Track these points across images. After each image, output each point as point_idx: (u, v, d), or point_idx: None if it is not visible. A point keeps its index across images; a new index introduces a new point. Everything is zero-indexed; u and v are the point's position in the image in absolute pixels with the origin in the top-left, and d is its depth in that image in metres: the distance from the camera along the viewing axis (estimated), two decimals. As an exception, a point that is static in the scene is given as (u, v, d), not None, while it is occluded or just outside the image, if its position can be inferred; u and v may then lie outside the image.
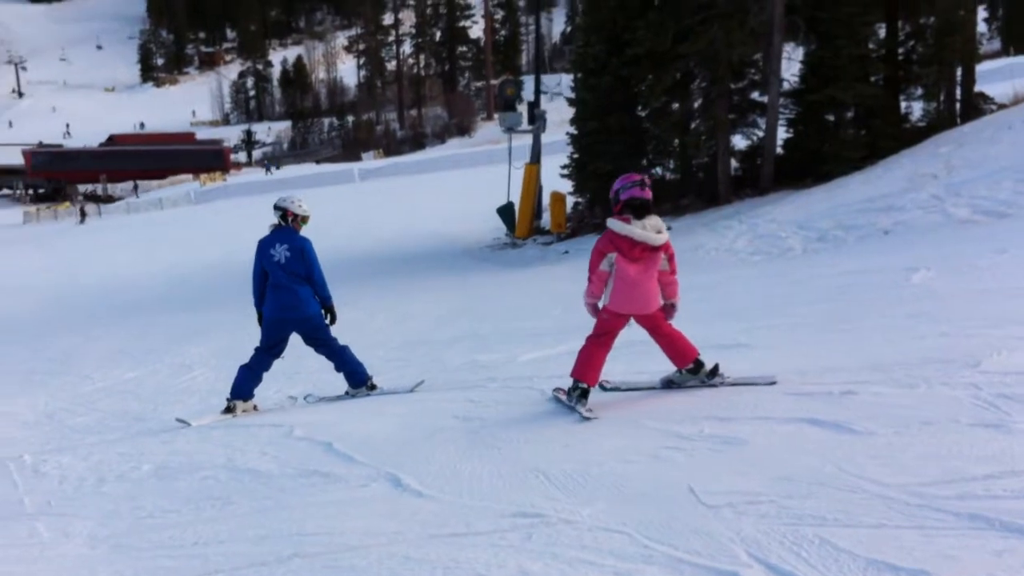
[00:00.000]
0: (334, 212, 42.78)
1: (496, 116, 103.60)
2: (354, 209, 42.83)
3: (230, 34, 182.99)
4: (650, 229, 5.85)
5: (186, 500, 5.58)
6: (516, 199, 27.32)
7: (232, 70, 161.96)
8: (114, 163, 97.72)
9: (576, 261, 20.56)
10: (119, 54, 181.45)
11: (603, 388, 6.50)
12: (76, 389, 13.50)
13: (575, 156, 26.04)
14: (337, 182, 62.31)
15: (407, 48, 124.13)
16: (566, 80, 75.20)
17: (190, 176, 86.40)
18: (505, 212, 27.46)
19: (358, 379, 8.40)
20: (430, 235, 29.96)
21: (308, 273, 7.88)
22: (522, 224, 26.97)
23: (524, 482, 4.91)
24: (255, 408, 8.18)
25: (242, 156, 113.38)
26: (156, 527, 5.14)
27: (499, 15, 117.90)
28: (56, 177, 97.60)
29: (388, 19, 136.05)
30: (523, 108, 29.42)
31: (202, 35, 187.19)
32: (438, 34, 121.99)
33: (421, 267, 23.68)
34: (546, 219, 27.25)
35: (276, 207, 8.12)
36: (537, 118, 28.07)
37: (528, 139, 29.16)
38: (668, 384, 6.39)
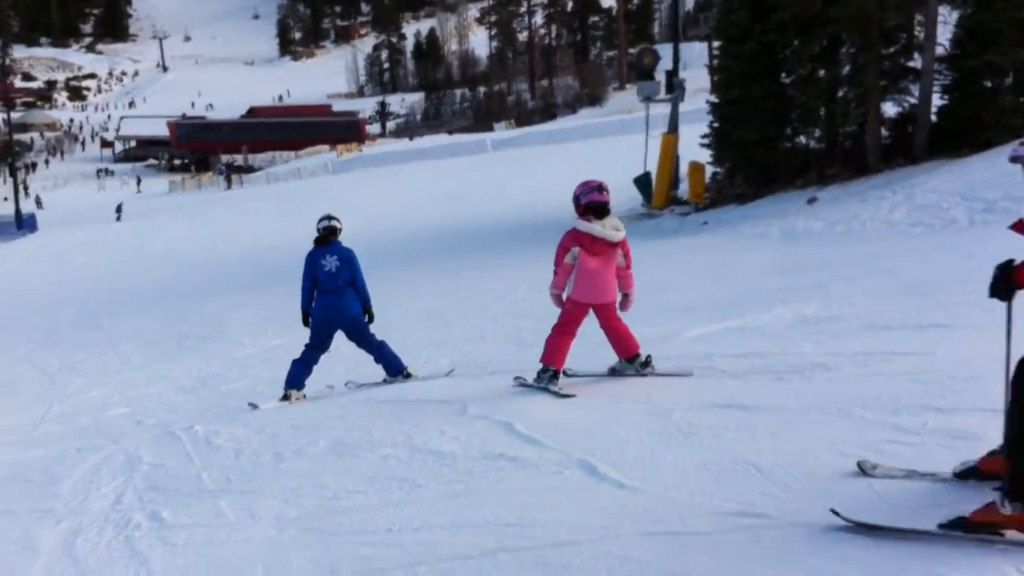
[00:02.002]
0: (469, 181, 43.14)
1: (628, 86, 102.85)
2: (488, 178, 42.97)
3: (365, 8, 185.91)
4: (609, 228, 6.68)
5: (370, 480, 5.42)
6: (653, 169, 26.87)
7: (367, 43, 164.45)
8: (254, 134, 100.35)
9: (718, 232, 20.17)
10: (258, 29, 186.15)
11: (565, 374, 7.10)
12: (228, 355, 13.87)
13: (715, 125, 25.41)
14: (470, 152, 62.56)
15: (539, 19, 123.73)
16: (699, 49, 73.95)
17: (327, 147, 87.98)
18: (642, 182, 27.05)
19: (395, 369, 9.22)
20: (565, 205, 29.53)
21: (353, 279, 8.94)
22: (659, 194, 26.53)
23: (734, 475, 4.58)
24: (304, 397, 8.99)
25: (376, 127, 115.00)
26: (344, 509, 5.01)
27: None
28: (199, 148, 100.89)
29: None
30: (660, 77, 28.83)
31: (338, 9, 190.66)
32: (569, 4, 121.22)
33: (558, 237, 23.50)
34: (683, 189, 26.75)
35: (325, 218, 9.21)
36: (676, 87, 27.54)
37: (664, 108, 28.64)
38: (612, 372, 7.13)
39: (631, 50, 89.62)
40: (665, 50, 31.47)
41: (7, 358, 17.93)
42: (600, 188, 6.75)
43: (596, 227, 6.62)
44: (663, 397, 6.29)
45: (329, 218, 9.17)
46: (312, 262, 8.93)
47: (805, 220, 17.95)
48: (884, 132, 22.66)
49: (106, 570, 4.62)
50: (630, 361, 6.94)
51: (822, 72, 23.38)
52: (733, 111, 24.05)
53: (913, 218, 15.81)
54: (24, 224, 53.44)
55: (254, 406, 8.71)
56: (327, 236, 9.05)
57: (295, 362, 9.07)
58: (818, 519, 3.85)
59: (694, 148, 26.38)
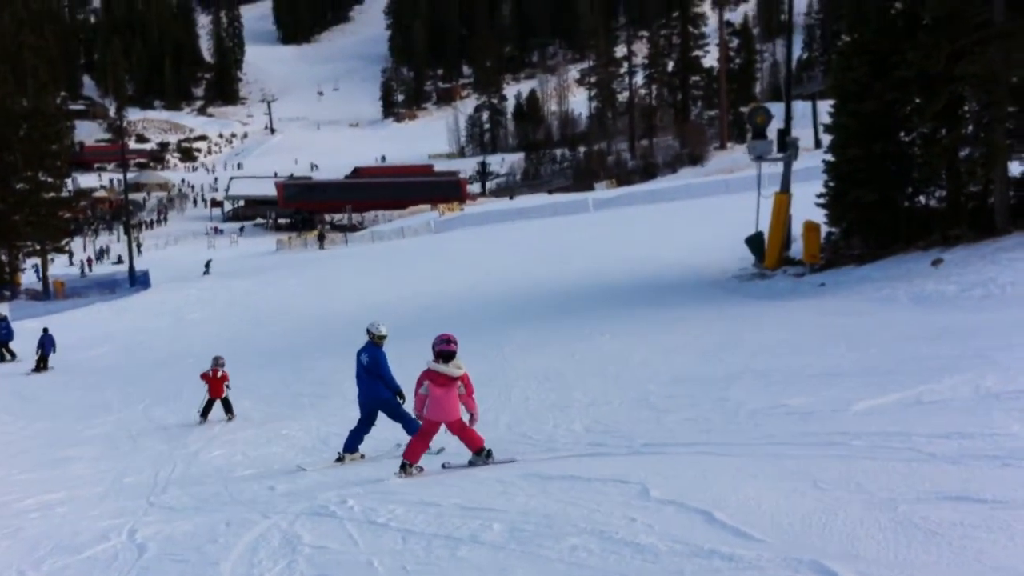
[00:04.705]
0: (571, 241, 43.00)
1: (729, 145, 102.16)
2: (591, 238, 42.79)
3: (466, 71, 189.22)
4: (452, 367, 8.77)
5: None
6: (764, 229, 26.37)
7: (468, 104, 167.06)
8: (358, 194, 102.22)
9: (837, 294, 19.55)
10: (363, 91, 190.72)
11: (420, 469, 9.11)
12: (344, 413, 13.75)
13: (831, 184, 24.80)
14: (570, 212, 62.59)
15: (639, 79, 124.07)
16: (803, 107, 73.04)
17: (428, 206, 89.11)
18: (754, 242, 26.56)
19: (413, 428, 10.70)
20: (674, 264, 29.36)
21: (379, 374, 10.96)
22: (771, 254, 26.00)
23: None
24: (361, 456, 11.06)
25: (476, 187, 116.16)
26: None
27: (734, 43, 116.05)
28: (306, 208, 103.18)
29: (620, 51, 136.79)
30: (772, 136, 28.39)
31: (440, 72, 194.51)
32: (670, 64, 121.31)
33: (670, 298, 23.15)
34: (796, 249, 26.14)
35: (367, 330, 11.42)
36: (789, 146, 27.10)
37: (772, 168, 28.21)
38: (471, 464, 8.99)
39: (742, 109, 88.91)
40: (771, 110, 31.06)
41: (127, 413, 18.23)
42: (449, 341, 8.87)
43: (442, 367, 8.76)
44: (875, 485, 5.69)
45: (371, 325, 11.43)
46: (357, 356, 11.27)
47: (935, 283, 17.25)
48: (1011, 193, 21.82)
49: None
50: (478, 454, 8.93)
51: (944, 131, 22.70)
52: (851, 170, 23.45)
53: (1058, 281, 15.02)
54: (137, 281, 55.01)
55: (303, 469, 10.60)
56: (370, 338, 11.27)
57: (351, 431, 11.18)
58: None
59: (806, 207, 25.81)
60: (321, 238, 73.31)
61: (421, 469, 9.13)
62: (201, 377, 17.01)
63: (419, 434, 9.17)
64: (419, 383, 8.93)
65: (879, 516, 5.04)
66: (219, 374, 16.76)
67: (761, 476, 5.62)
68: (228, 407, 16.52)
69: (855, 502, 5.35)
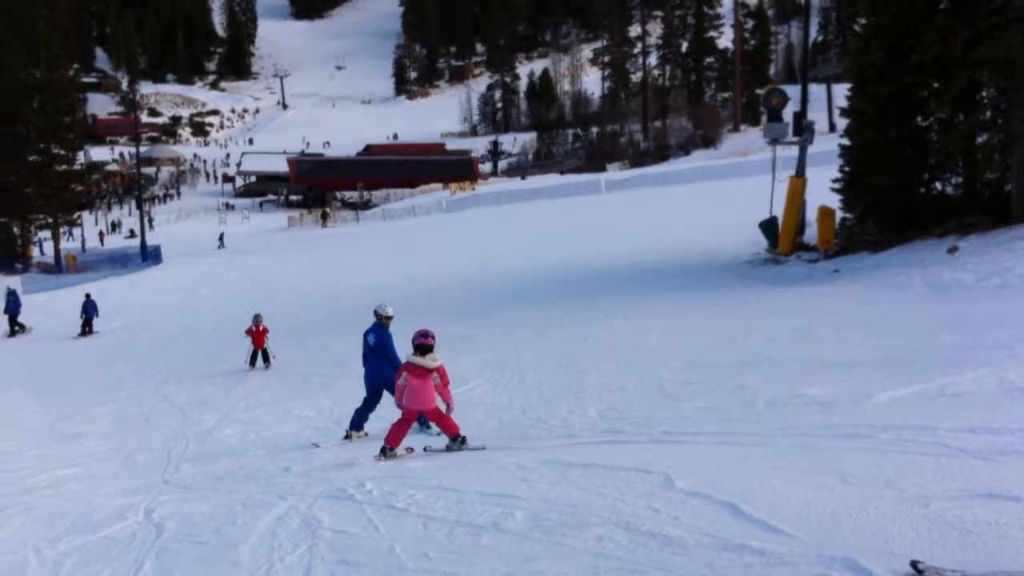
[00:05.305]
0: (583, 222, 42.86)
1: (743, 127, 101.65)
2: (603, 220, 42.64)
3: (479, 48, 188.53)
4: (428, 359, 9.37)
5: (594, 571, 4.76)
6: (778, 213, 26.21)
7: (480, 83, 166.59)
8: (370, 171, 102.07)
9: (852, 280, 19.46)
10: (375, 68, 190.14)
11: (395, 454, 9.56)
12: (356, 393, 13.70)
13: (846, 169, 24.60)
14: (583, 192, 62.42)
15: (653, 59, 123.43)
16: (817, 90, 72.49)
17: (440, 185, 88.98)
18: (768, 227, 26.40)
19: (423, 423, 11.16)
20: (685, 248, 29.24)
21: (384, 354, 11.40)
22: (785, 239, 25.84)
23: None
24: (366, 434, 11.35)
25: (488, 166, 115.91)
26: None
27: (748, 24, 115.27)
28: (317, 184, 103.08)
29: (634, 31, 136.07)
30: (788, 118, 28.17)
31: (453, 50, 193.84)
32: (684, 45, 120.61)
33: (683, 281, 23.05)
34: (810, 234, 25.98)
35: (374, 311, 11.93)
36: (804, 129, 26.89)
37: (787, 151, 28.03)
38: (449, 449, 9.53)
39: (757, 91, 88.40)
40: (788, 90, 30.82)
41: (140, 388, 18.28)
42: (426, 335, 9.51)
43: (418, 359, 9.40)
44: (905, 480, 5.59)
45: (378, 307, 11.96)
46: (364, 336, 11.79)
47: (951, 271, 17.13)
48: (1028, 179, 21.63)
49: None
50: (454, 440, 9.52)
51: (961, 116, 22.48)
52: (867, 155, 23.25)
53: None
54: (149, 256, 55.10)
55: (316, 446, 10.88)
56: (377, 319, 11.77)
57: (357, 409, 11.60)
58: None
59: (820, 192, 25.64)
60: (324, 216, 73.35)
61: (411, 450, 9.76)
62: (246, 333, 19.84)
63: (399, 421, 9.69)
64: (398, 375, 9.66)
65: (911, 513, 4.94)
66: (260, 327, 19.67)
67: (787, 468, 5.50)
68: (266, 357, 19.57)
69: (886, 498, 5.25)
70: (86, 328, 29.35)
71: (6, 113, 56.75)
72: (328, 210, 78.70)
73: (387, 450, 9.49)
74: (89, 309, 29.52)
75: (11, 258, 57.94)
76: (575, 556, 4.93)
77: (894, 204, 23.00)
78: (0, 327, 31.08)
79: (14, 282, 40.57)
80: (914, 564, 4.08)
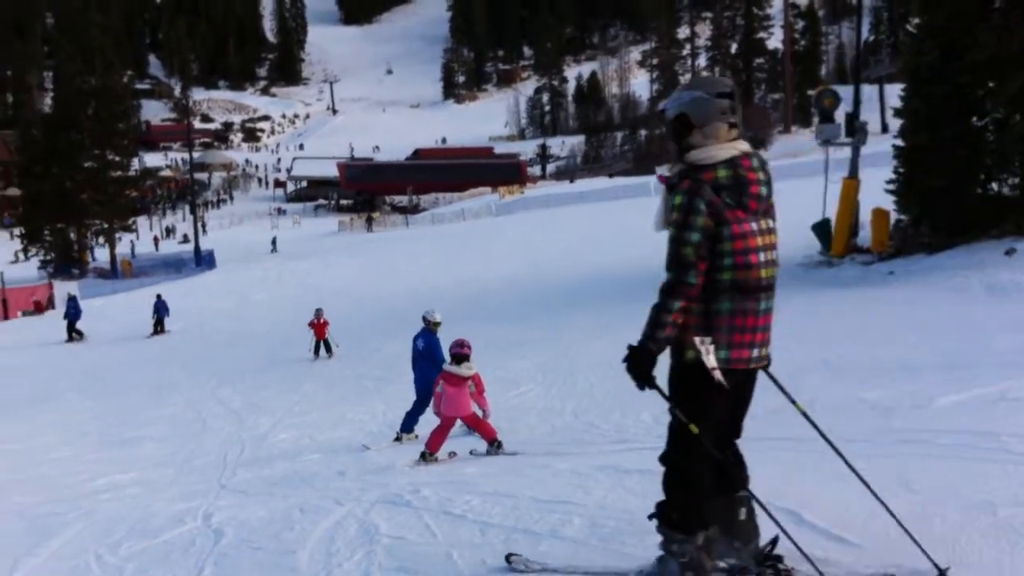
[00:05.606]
0: (632, 225, 42.57)
1: (793, 129, 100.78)
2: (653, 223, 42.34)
3: (527, 52, 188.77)
4: (463, 368, 9.85)
5: None
6: (831, 215, 25.92)
7: (528, 86, 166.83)
8: (419, 175, 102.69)
9: (907, 282, 19.18)
10: (424, 73, 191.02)
11: (436, 458, 9.80)
12: (408, 397, 13.74)
13: (901, 171, 24.28)
14: (632, 195, 62.07)
15: (702, 61, 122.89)
16: (869, 91, 71.60)
17: (488, 189, 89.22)
18: (821, 229, 26.10)
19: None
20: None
21: (433, 359, 11.65)
22: (839, 242, 25.52)
23: None
24: (416, 437, 11.44)
25: (537, 170, 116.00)
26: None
27: (799, 25, 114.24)
28: (367, 189, 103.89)
29: (683, 33, 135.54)
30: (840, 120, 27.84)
31: (500, 53, 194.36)
32: (734, 46, 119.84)
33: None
34: (864, 237, 25.67)
35: (423, 317, 12.54)
36: (857, 130, 26.57)
37: (838, 152, 27.70)
38: (487, 452, 9.75)
39: (809, 92, 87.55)
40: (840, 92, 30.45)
41: (195, 393, 18.53)
42: (462, 345, 9.95)
43: (454, 368, 9.88)
44: (971, 488, 5.41)
45: (426, 313, 12.54)
46: (413, 341, 12.43)
47: (1010, 273, 16.81)
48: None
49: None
50: (491, 444, 9.76)
51: (1018, 116, 22.10)
52: (921, 156, 22.93)
53: None
54: (203, 260, 55.85)
55: (367, 448, 11.10)
56: (426, 324, 12.34)
57: (408, 413, 11.91)
58: None
59: (874, 194, 25.31)
60: (369, 221, 73.91)
61: (453, 454, 9.98)
62: (308, 325, 22.03)
63: (438, 427, 9.99)
64: (436, 383, 10.11)
65: (978, 521, 4.82)
66: (322, 319, 21.79)
67: (848, 476, 5.41)
68: (328, 347, 21.63)
69: (951, 506, 5.12)
70: (158, 327, 30.68)
71: (62, 119, 57.87)
72: (373, 215, 79.26)
73: (427, 455, 9.75)
74: (161, 309, 31.03)
75: (68, 264, 59.04)
76: (636, 565, 4.86)
77: (949, 205, 22.63)
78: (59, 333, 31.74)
79: (73, 288, 41.38)
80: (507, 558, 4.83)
